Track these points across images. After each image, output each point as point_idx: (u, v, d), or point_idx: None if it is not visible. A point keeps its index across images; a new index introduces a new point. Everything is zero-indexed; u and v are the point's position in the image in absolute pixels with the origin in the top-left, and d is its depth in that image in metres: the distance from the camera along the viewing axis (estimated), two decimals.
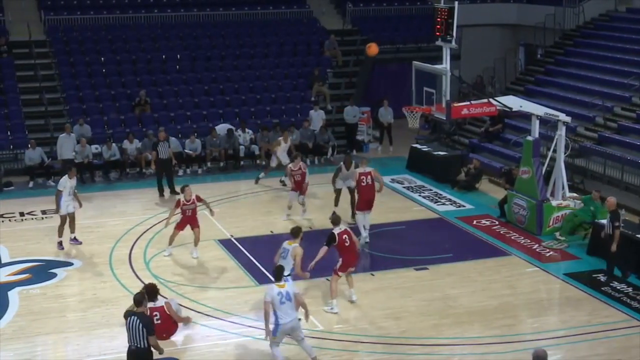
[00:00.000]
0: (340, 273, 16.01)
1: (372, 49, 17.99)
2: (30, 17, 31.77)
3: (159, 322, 13.72)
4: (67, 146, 24.52)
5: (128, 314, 12.13)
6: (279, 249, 15.56)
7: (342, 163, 21.17)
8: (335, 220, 16.17)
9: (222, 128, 27.47)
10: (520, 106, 21.31)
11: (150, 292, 13.58)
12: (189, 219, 18.71)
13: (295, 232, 15.53)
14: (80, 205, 20.00)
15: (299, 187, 21.25)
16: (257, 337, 14.80)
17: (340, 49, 32.69)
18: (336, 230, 15.90)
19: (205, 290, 16.98)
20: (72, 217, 19.71)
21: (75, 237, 19.88)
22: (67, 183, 19.54)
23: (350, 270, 16.17)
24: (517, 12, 34.74)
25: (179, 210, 18.73)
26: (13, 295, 16.86)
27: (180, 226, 18.79)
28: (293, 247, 15.21)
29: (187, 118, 28.74)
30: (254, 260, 18.57)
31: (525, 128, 24.64)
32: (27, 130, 27.27)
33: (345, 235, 15.85)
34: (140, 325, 11.76)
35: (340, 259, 15.96)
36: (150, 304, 13.40)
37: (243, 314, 15.78)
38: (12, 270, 18.26)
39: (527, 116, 22.16)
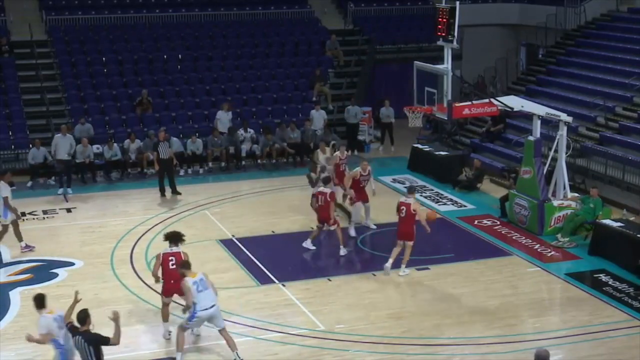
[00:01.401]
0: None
1: (430, 215, 18.37)
2: (32, 17, 31.76)
3: (174, 267, 14.32)
4: (62, 146, 24.26)
5: (73, 333, 11.96)
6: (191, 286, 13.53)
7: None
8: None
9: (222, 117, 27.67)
10: (522, 106, 21.29)
11: (174, 237, 14.68)
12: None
13: (186, 265, 13.86)
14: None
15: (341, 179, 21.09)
16: (258, 337, 14.88)
17: (342, 49, 32.69)
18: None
19: None
20: (16, 223, 19.31)
21: (27, 244, 19.46)
22: (7, 188, 19.21)
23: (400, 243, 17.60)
24: (518, 12, 34.73)
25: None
26: (14, 295, 16.85)
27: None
28: (206, 276, 13.79)
29: (189, 118, 28.73)
30: (255, 261, 18.56)
31: (526, 128, 24.67)
32: (29, 130, 27.26)
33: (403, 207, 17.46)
34: (86, 344, 11.63)
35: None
36: (173, 249, 14.55)
37: (244, 314, 15.77)
38: (13, 270, 18.27)
39: (528, 116, 22.17)
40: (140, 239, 20.13)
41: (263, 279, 17.51)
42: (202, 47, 31.99)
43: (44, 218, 21.95)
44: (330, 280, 17.51)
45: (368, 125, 30.18)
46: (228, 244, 19.71)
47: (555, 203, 20.36)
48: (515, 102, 21.48)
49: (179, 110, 28.89)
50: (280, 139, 27.13)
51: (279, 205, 22.67)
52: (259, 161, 27.15)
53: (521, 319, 15.83)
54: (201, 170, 26.59)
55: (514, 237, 20.15)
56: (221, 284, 17.16)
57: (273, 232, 20.58)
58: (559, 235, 19.81)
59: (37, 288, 17.10)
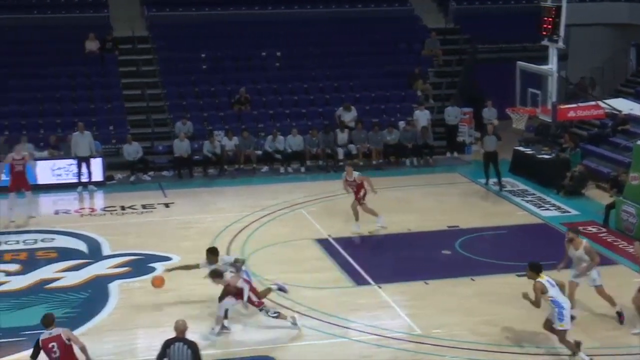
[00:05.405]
0: None
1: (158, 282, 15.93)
2: (134, 14, 32.26)
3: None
4: (82, 144, 24.55)
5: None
6: None
7: None
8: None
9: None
10: (631, 109, 20.61)
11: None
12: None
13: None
14: None
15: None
16: (353, 339, 14.68)
17: (442, 48, 32.14)
18: None
19: (302, 289, 16.81)
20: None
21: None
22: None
23: None
24: (628, 10, 33.45)
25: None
26: (114, 287, 17.12)
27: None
28: None
29: (287, 116, 28.70)
30: (352, 261, 18.34)
31: (636, 132, 23.78)
32: (129, 125, 27.67)
33: None
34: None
35: None
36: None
37: (340, 314, 15.58)
38: (112, 263, 18.55)
39: (638, 120, 21.40)
40: (237, 236, 20.14)
41: (359, 280, 17.29)
42: (300, 44, 31.91)
43: (142, 212, 22.22)
44: (427, 284, 17.16)
45: (468, 126, 29.51)
46: (324, 243, 19.56)
47: None
48: (624, 105, 20.77)
49: (277, 107, 28.89)
50: (373, 141, 26.88)
51: (375, 206, 22.30)
52: (355, 161, 26.92)
53: (624, 330, 15.11)
54: (302, 169, 26.55)
55: (620, 246, 19.38)
56: (317, 283, 17.20)
57: (369, 232, 20.32)
58: None
59: (135, 281, 17.35)
